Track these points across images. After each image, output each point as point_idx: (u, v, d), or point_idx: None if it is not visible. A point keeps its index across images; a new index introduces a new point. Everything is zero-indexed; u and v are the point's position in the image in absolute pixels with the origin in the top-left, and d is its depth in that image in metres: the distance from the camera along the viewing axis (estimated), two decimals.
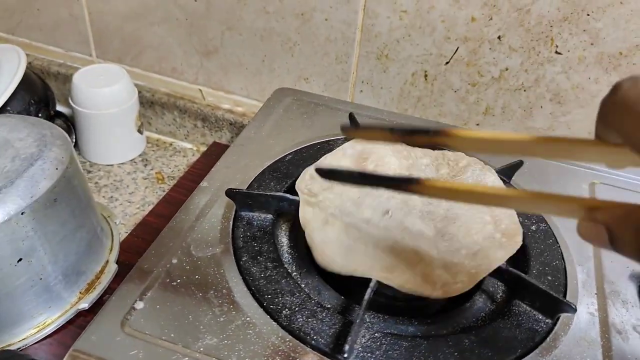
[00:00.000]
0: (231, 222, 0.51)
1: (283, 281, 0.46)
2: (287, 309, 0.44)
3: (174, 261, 0.47)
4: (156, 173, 0.81)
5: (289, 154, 0.59)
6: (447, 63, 0.70)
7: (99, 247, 0.61)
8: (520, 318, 0.46)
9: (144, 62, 0.86)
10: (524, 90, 0.69)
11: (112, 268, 0.60)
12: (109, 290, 0.57)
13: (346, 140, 0.63)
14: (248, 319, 0.43)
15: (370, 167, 0.55)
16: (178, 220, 0.51)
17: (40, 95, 0.78)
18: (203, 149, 0.86)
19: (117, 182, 0.79)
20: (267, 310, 0.44)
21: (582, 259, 0.52)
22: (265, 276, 0.46)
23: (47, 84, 0.82)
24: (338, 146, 0.61)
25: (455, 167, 0.56)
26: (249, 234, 0.50)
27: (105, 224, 0.66)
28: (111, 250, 0.63)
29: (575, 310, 0.44)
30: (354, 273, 0.46)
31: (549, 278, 0.49)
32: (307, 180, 0.53)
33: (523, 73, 0.68)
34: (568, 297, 0.48)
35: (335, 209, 0.50)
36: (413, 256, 0.47)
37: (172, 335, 0.42)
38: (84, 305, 0.56)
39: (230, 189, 0.50)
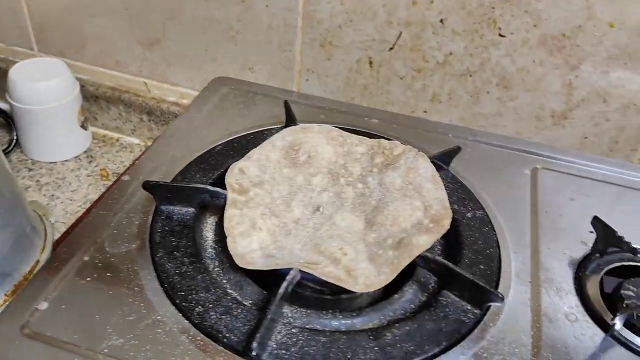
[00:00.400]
0: (150, 217, 0.48)
1: (199, 277, 0.44)
2: (200, 306, 0.42)
3: (86, 258, 0.45)
4: (101, 170, 0.79)
5: (219, 144, 0.57)
6: (391, 49, 0.68)
7: (29, 247, 0.59)
8: (447, 309, 0.44)
9: (87, 55, 0.83)
10: (470, 75, 0.67)
11: None
12: None
13: (282, 128, 0.61)
14: (159, 317, 0.41)
15: (302, 158, 0.53)
16: (94, 215, 0.49)
17: None
18: (150, 143, 0.83)
19: (60, 179, 0.76)
20: (179, 308, 0.42)
21: (519, 246, 0.50)
22: (181, 272, 0.44)
23: None
24: (272, 135, 0.59)
25: (390, 155, 0.54)
26: (167, 228, 0.47)
27: (39, 223, 0.64)
28: (43, 250, 0.61)
29: (502, 299, 0.42)
30: (275, 267, 0.44)
31: (481, 267, 0.47)
32: (237, 175, 0.51)
33: (468, 57, 0.66)
34: (500, 286, 0.46)
35: (265, 208, 0.48)
36: (338, 252, 0.45)
37: (76, 336, 0.39)
38: None
39: (148, 181, 0.48)
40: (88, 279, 0.43)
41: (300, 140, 0.53)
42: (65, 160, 0.79)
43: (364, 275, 0.44)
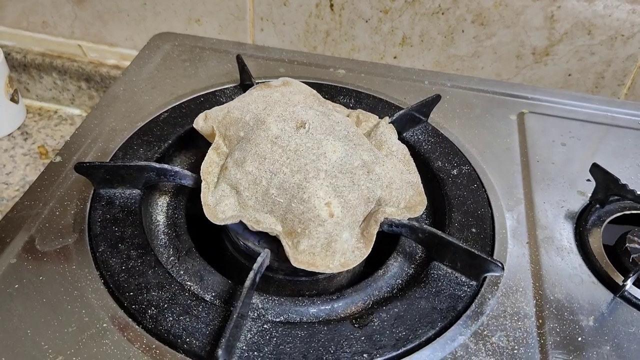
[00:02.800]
0: (88, 204, 0.41)
1: (150, 272, 0.37)
2: (153, 307, 0.35)
3: (13, 261, 0.38)
4: (39, 147, 0.70)
5: (165, 111, 0.49)
6: None
7: None
8: (440, 283, 0.38)
9: (8, 17, 0.73)
10: (442, 14, 0.60)
11: None
12: None
13: (236, 89, 0.53)
14: (105, 325, 0.34)
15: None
16: (20, 207, 0.41)
17: None
18: None
19: None
20: (128, 312, 0.35)
21: (512, 202, 0.45)
22: (128, 268, 0.37)
23: None
24: (226, 97, 0.52)
25: (366, 126, 0.47)
26: (109, 216, 0.40)
27: None
28: None
29: (502, 269, 0.37)
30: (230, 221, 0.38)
31: (473, 230, 0.42)
32: (202, 123, 0.44)
33: None
34: (496, 251, 0.41)
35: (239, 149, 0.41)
36: (324, 209, 0.38)
37: (4, 359, 0.33)
38: None
39: (81, 162, 0.40)
40: (16, 285, 0.36)
41: (274, 100, 0.45)
42: None
43: (342, 251, 0.38)
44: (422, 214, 0.46)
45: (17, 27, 0.73)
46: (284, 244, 0.37)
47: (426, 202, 0.42)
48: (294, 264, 0.37)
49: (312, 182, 0.38)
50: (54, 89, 0.75)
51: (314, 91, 0.48)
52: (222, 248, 0.43)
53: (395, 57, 0.65)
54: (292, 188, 0.38)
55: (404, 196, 0.41)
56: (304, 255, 0.37)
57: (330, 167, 0.39)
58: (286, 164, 0.39)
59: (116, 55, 0.72)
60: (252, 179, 0.39)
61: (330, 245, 0.37)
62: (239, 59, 0.52)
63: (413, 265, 0.42)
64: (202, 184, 0.40)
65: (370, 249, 0.38)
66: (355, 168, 0.40)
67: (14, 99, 0.70)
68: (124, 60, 0.72)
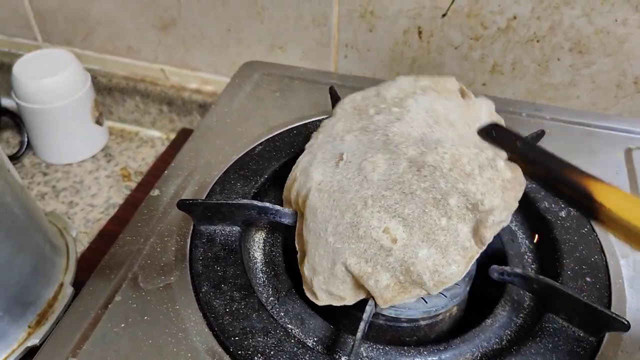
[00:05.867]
0: (189, 240, 0.41)
1: (254, 315, 0.36)
2: (259, 354, 0.34)
3: (118, 299, 0.38)
4: (121, 169, 0.71)
5: (259, 144, 0.49)
6: (444, 15, 0.59)
7: (50, 269, 0.52)
8: (556, 338, 0.36)
9: (95, 42, 0.75)
10: (537, 41, 0.58)
11: (68, 292, 0.51)
12: None
13: None
14: None
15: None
16: (122, 243, 0.41)
17: None
18: (173, 136, 0.76)
19: (77, 183, 0.69)
20: (234, 357, 0.34)
21: (626, 249, 0.42)
22: (232, 310, 0.36)
23: None
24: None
25: (443, 88, 0.43)
26: (210, 254, 0.40)
27: (59, 239, 0.57)
28: (66, 270, 0.54)
29: (628, 326, 0.34)
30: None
31: (588, 280, 0.39)
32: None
33: (535, 21, 0.57)
34: (614, 303, 0.38)
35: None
36: (384, 238, 0.34)
37: None
38: (34, 341, 0.47)
39: (183, 200, 0.40)
40: (122, 325, 0.36)
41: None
42: (82, 161, 0.72)
43: (429, 270, 0.34)
44: (528, 257, 0.43)
45: (103, 52, 0.75)
46: (367, 287, 0.35)
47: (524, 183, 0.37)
48: (383, 305, 0.35)
49: (362, 214, 0.35)
50: (136, 111, 0.76)
51: (372, 90, 0.43)
52: None
53: (484, 84, 0.63)
54: (347, 230, 0.35)
55: (493, 176, 0.35)
56: (389, 292, 0.36)
57: (375, 190, 0.35)
58: (335, 207, 0.36)
59: (197, 79, 0.73)
60: (314, 237, 0.37)
61: (410, 270, 0.34)
62: (332, 91, 0.51)
63: (522, 315, 0.39)
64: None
65: (469, 267, 0.35)
66: (401, 175, 0.35)
67: (98, 122, 0.72)
68: (205, 85, 0.73)
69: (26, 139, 0.72)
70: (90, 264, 0.55)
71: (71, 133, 0.70)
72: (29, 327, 0.48)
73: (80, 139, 0.71)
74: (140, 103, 0.75)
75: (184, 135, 0.73)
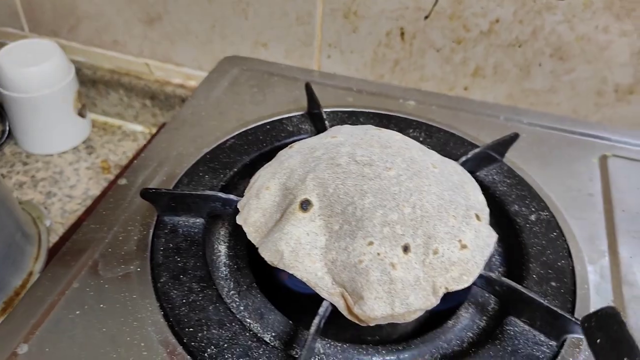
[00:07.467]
0: (151, 231, 0.40)
1: (211, 307, 0.36)
2: (212, 347, 0.34)
3: (75, 286, 0.37)
4: (101, 162, 0.71)
5: (231, 138, 0.48)
6: (426, 17, 0.59)
7: (19, 257, 0.51)
8: (516, 341, 0.35)
9: (81, 34, 0.75)
10: (519, 46, 0.58)
11: None
12: None
13: (304, 117, 0.52)
14: None
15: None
16: (85, 230, 0.41)
17: None
18: (155, 130, 0.75)
19: (57, 174, 0.69)
20: (187, 349, 0.34)
21: (595, 254, 0.42)
22: (189, 302, 0.36)
23: None
24: (293, 126, 0.51)
25: None
26: (172, 245, 0.39)
27: (32, 228, 0.56)
28: (37, 259, 0.54)
29: None
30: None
31: (553, 284, 0.39)
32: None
33: (517, 25, 0.57)
34: (578, 309, 0.38)
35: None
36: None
37: None
38: None
39: (147, 188, 0.39)
40: (77, 312, 0.36)
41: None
42: (63, 152, 0.72)
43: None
44: (496, 260, 0.43)
45: (89, 45, 0.75)
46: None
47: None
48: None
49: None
50: (119, 105, 0.76)
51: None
52: (282, 283, 0.42)
53: (466, 89, 0.62)
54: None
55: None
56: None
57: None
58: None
59: (181, 74, 0.73)
60: None
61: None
62: (308, 87, 0.50)
63: (485, 318, 0.39)
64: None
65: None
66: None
67: (81, 113, 0.71)
68: (189, 80, 0.73)
69: (7, 128, 0.72)
70: None
71: (53, 123, 0.70)
72: None
73: (62, 130, 0.71)
74: (124, 96, 0.75)
75: None
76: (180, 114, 0.52)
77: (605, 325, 0.32)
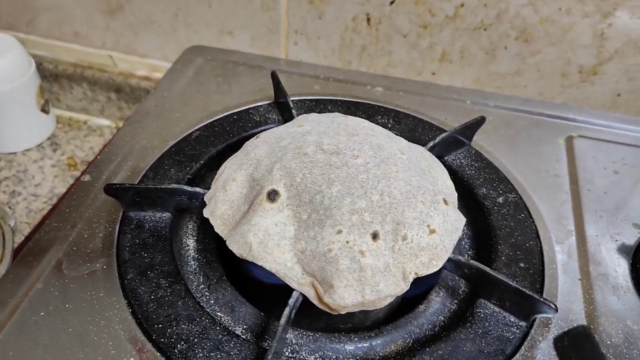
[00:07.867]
0: (117, 227, 0.39)
1: (180, 302, 0.35)
2: (182, 342, 0.33)
3: (39, 286, 0.36)
4: (67, 159, 0.69)
5: (196, 129, 0.47)
6: (392, 2, 0.58)
7: None
8: (486, 323, 0.36)
9: (40, 27, 0.72)
10: (485, 29, 0.58)
11: None
12: None
13: (271, 106, 0.51)
14: (132, 359, 0.33)
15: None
16: (48, 229, 0.40)
17: None
18: (122, 124, 0.74)
19: (21, 172, 0.67)
20: (157, 345, 0.33)
21: (562, 234, 0.42)
22: (157, 298, 0.35)
23: None
24: (260, 115, 0.50)
25: None
26: (138, 241, 0.38)
27: None
28: (1, 260, 0.52)
29: (556, 310, 0.34)
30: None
31: (521, 265, 0.39)
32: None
33: (482, 8, 0.57)
34: (546, 289, 0.38)
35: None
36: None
37: None
38: None
39: (111, 184, 0.38)
40: (42, 313, 0.35)
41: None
42: (27, 150, 0.70)
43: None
44: (465, 244, 0.43)
45: (49, 37, 0.73)
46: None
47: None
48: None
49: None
50: (84, 99, 0.74)
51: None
52: (252, 275, 0.42)
53: (433, 74, 0.62)
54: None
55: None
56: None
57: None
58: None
59: (146, 66, 0.71)
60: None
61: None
62: (274, 76, 0.50)
63: (456, 301, 0.39)
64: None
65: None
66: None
67: (44, 109, 0.69)
68: (155, 72, 0.71)
69: None
70: None
71: (15, 120, 0.68)
72: None
73: (25, 127, 0.69)
74: (88, 90, 0.73)
75: None
76: (143, 106, 0.51)
77: (577, 345, 0.32)
